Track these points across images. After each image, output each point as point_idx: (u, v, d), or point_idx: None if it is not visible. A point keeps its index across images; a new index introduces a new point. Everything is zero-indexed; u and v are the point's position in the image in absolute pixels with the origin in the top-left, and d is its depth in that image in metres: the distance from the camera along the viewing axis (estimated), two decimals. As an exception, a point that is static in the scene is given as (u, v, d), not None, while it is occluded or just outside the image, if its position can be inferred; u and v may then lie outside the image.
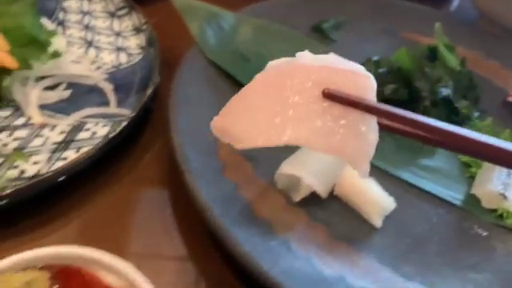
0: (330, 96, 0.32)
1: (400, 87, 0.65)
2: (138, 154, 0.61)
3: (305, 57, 0.35)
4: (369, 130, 0.32)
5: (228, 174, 0.52)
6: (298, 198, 0.52)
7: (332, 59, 0.35)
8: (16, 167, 0.54)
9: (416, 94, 0.64)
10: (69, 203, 0.54)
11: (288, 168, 0.51)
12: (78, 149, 0.57)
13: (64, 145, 0.57)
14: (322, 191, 0.52)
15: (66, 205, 0.54)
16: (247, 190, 0.51)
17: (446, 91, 0.64)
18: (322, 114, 0.32)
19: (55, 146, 0.57)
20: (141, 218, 0.54)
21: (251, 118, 0.34)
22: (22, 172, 0.54)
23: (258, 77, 0.35)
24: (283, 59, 0.35)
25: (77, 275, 0.44)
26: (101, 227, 0.52)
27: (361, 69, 0.35)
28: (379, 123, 0.33)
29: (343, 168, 0.52)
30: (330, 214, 0.52)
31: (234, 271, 0.48)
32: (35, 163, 0.55)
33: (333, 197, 0.53)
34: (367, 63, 0.68)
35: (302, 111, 0.32)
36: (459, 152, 0.33)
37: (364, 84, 0.34)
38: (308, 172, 0.51)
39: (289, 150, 0.53)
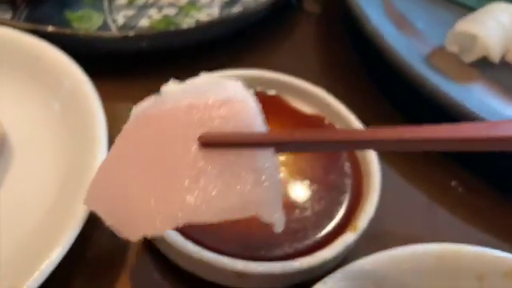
0: (209, 143, 0.24)
1: None
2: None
3: (170, 94, 0.27)
4: (265, 170, 0.24)
5: (401, 30, 0.53)
6: (469, 59, 0.52)
7: (201, 86, 0.28)
8: (192, 17, 0.57)
9: None
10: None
11: (465, 25, 0.51)
12: (245, 8, 0.59)
13: (231, 3, 0.60)
14: (496, 55, 0.51)
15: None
16: (421, 47, 0.52)
17: None
18: (205, 170, 0.24)
19: (223, 3, 0.60)
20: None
21: (124, 197, 0.25)
22: (198, 21, 0.57)
23: (125, 131, 0.27)
24: (148, 102, 0.27)
25: (272, 98, 0.46)
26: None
27: (236, 92, 0.27)
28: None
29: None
30: (504, 78, 0.52)
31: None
32: (208, 14, 0.58)
33: (503, 63, 0.53)
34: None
35: (181, 176, 0.24)
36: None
37: (244, 111, 0.26)
38: (485, 31, 0.51)
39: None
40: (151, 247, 0.38)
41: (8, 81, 0.44)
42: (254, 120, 0.26)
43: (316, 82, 0.46)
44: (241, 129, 0.25)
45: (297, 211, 0.36)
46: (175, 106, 0.26)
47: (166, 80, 0.46)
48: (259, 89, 0.46)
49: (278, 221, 0.25)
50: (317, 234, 0.35)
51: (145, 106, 0.27)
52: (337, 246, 0.34)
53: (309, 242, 0.35)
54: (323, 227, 0.36)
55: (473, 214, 0.42)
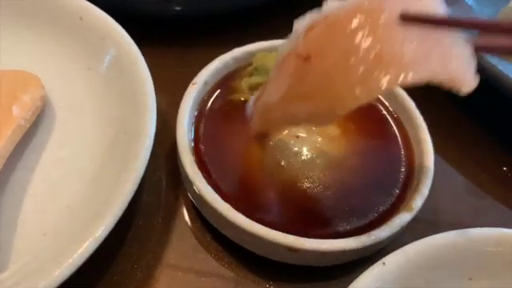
0: (407, 18, 0.27)
1: None
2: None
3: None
4: (457, 41, 0.27)
5: (450, 5, 0.51)
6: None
7: None
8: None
9: None
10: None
11: (522, 2, 0.49)
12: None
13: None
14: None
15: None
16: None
17: None
18: (409, 41, 0.26)
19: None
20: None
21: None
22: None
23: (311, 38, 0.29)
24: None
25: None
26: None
27: None
28: None
29: None
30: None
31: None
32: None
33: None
34: None
35: (388, 45, 0.26)
36: None
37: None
38: (542, 9, 0.48)
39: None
40: (199, 218, 0.38)
41: (50, 41, 0.43)
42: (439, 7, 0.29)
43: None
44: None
45: (352, 191, 0.35)
46: None
47: (214, 48, 0.45)
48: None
49: (470, 83, 0.27)
50: (371, 213, 0.35)
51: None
52: (392, 225, 0.33)
53: (363, 220, 0.34)
54: (378, 206, 0.35)
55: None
